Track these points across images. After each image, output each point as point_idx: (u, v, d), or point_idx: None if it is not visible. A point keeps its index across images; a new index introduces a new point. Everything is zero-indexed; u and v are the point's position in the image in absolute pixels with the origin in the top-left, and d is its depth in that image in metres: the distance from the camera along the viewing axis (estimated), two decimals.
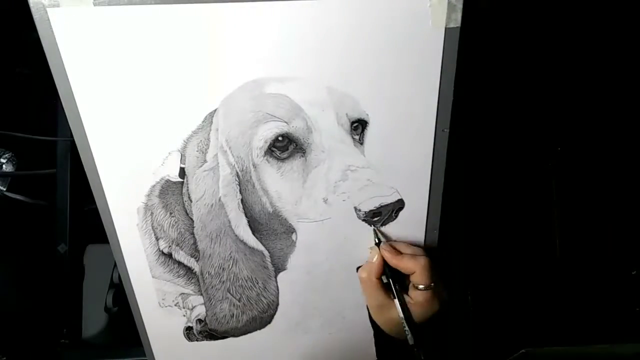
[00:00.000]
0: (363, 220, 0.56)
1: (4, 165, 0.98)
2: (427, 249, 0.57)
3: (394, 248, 0.56)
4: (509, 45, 0.85)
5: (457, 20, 0.47)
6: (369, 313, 0.59)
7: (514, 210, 0.92)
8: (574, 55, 0.87)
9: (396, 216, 0.57)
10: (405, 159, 0.54)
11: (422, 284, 0.53)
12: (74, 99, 0.49)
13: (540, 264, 0.92)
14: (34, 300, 0.93)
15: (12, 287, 0.90)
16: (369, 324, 0.61)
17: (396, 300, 0.54)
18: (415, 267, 0.53)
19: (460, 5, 0.46)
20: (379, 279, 0.56)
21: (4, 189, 0.97)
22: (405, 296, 0.55)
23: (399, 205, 0.56)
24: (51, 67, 0.47)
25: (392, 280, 0.55)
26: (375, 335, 0.60)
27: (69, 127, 0.50)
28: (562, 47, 0.86)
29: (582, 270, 0.91)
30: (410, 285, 0.55)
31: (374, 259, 0.56)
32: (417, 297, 0.54)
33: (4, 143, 0.99)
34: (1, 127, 0.96)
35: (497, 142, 0.89)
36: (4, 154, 0.98)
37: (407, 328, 0.54)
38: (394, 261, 0.55)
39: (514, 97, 0.88)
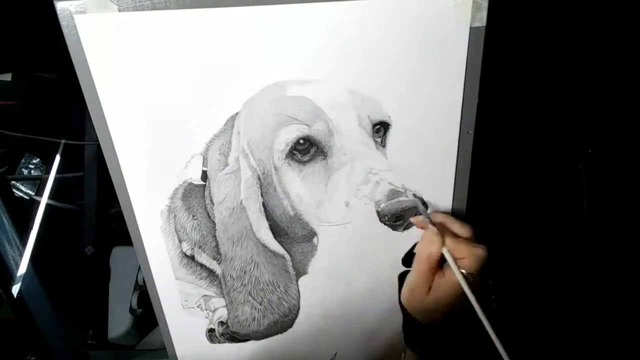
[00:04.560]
0: (385, 224, 0.55)
1: (32, 170, 1.01)
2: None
3: (449, 228, 0.53)
4: (538, 45, 0.83)
5: (482, 20, 0.46)
6: (399, 296, 0.56)
7: (542, 213, 0.90)
8: (605, 55, 0.84)
9: None
10: (428, 162, 0.53)
11: (466, 270, 0.50)
12: (100, 103, 0.49)
13: (570, 267, 0.90)
14: (62, 302, 0.95)
15: (40, 288, 0.92)
16: (390, 331, 0.60)
17: (457, 271, 0.50)
18: (469, 255, 0.50)
19: (485, 4, 0.46)
20: (437, 257, 0.51)
21: (33, 193, 1.00)
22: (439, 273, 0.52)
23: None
24: (77, 72, 0.48)
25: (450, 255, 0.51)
26: (404, 320, 0.57)
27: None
28: (594, 47, 0.84)
29: (613, 275, 0.88)
30: (451, 264, 0.50)
31: (434, 238, 0.51)
32: (454, 278, 0.50)
33: (32, 148, 1.02)
34: (30, 132, 0.98)
35: (526, 143, 0.87)
36: (32, 159, 1.01)
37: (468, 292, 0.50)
38: (449, 244, 0.51)
39: (543, 97, 0.86)
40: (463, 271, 0.50)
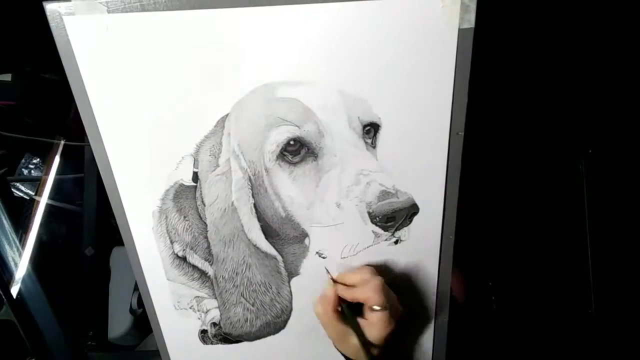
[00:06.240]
0: (377, 225, 0.55)
1: (32, 171, 1.01)
2: (379, 269, 0.57)
3: (344, 283, 0.56)
4: (537, 45, 0.82)
5: (470, 21, 0.46)
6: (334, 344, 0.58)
7: (542, 213, 0.89)
8: (605, 54, 0.84)
9: (410, 221, 0.56)
10: (419, 163, 0.53)
11: (376, 305, 0.52)
12: (90, 104, 0.50)
13: (570, 267, 0.89)
14: (62, 303, 0.95)
15: (40, 289, 0.92)
16: None
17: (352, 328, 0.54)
18: (367, 292, 0.53)
19: (473, 6, 0.45)
20: (335, 310, 0.55)
21: (33, 193, 1.00)
22: (361, 320, 0.54)
23: (413, 210, 0.54)
24: (67, 74, 0.48)
25: (347, 308, 0.54)
26: None
27: None
28: (593, 46, 0.83)
29: (614, 275, 0.88)
30: (366, 307, 0.54)
31: (328, 293, 0.55)
32: (373, 318, 0.53)
33: (32, 148, 1.03)
34: (30, 132, 0.99)
35: (526, 144, 0.87)
36: (32, 159, 1.02)
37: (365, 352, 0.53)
38: (348, 296, 0.54)
39: (543, 97, 0.85)
40: (377, 307, 0.52)
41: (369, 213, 0.54)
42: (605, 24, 0.82)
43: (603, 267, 0.88)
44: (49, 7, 0.46)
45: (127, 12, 0.46)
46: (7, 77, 1.01)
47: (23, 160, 1.08)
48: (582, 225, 0.88)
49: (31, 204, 1.01)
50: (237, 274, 0.58)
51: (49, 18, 0.46)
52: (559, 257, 0.90)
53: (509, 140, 0.86)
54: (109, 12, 0.46)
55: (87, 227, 1.06)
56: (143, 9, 0.46)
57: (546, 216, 0.90)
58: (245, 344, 0.63)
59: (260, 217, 0.56)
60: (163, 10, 0.46)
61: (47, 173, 1.03)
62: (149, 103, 0.50)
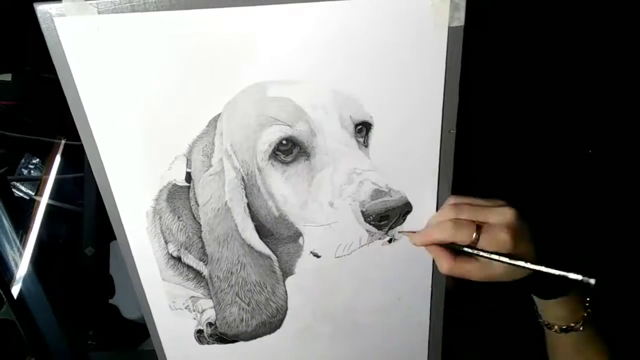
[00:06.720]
0: (370, 224, 0.55)
1: (32, 170, 1.02)
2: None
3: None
4: (532, 42, 0.82)
5: (460, 19, 0.46)
6: None
7: (542, 213, 0.89)
8: (605, 54, 0.83)
9: (404, 220, 0.55)
10: (411, 161, 0.53)
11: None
12: (82, 105, 0.50)
13: (570, 267, 0.89)
14: (62, 302, 0.95)
15: (40, 289, 0.93)
16: (378, 331, 0.60)
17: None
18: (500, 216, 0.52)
19: (463, 4, 0.45)
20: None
21: (33, 193, 1.01)
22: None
23: (406, 208, 0.54)
24: (59, 75, 0.48)
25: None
26: None
27: None
28: (593, 45, 0.83)
29: (616, 276, 0.87)
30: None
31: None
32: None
33: (32, 148, 1.03)
34: (30, 132, 0.99)
35: (524, 144, 0.86)
36: (32, 159, 1.02)
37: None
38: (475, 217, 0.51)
39: (541, 96, 0.85)
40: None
41: (362, 212, 0.54)
42: (604, 23, 0.81)
43: (603, 268, 0.87)
44: (39, 9, 0.46)
45: (117, 12, 0.46)
46: (7, 77, 1.02)
47: (23, 160, 1.08)
48: (581, 226, 0.88)
49: (31, 203, 1.02)
50: (232, 273, 0.58)
51: (40, 19, 0.46)
52: (559, 258, 0.89)
53: (508, 140, 0.86)
54: (99, 13, 0.46)
55: (87, 227, 1.06)
56: (133, 9, 0.46)
57: (545, 217, 0.89)
58: (241, 343, 0.63)
59: (253, 217, 0.56)
60: (153, 10, 0.46)
61: (47, 173, 1.03)
62: (140, 103, 0.50)
